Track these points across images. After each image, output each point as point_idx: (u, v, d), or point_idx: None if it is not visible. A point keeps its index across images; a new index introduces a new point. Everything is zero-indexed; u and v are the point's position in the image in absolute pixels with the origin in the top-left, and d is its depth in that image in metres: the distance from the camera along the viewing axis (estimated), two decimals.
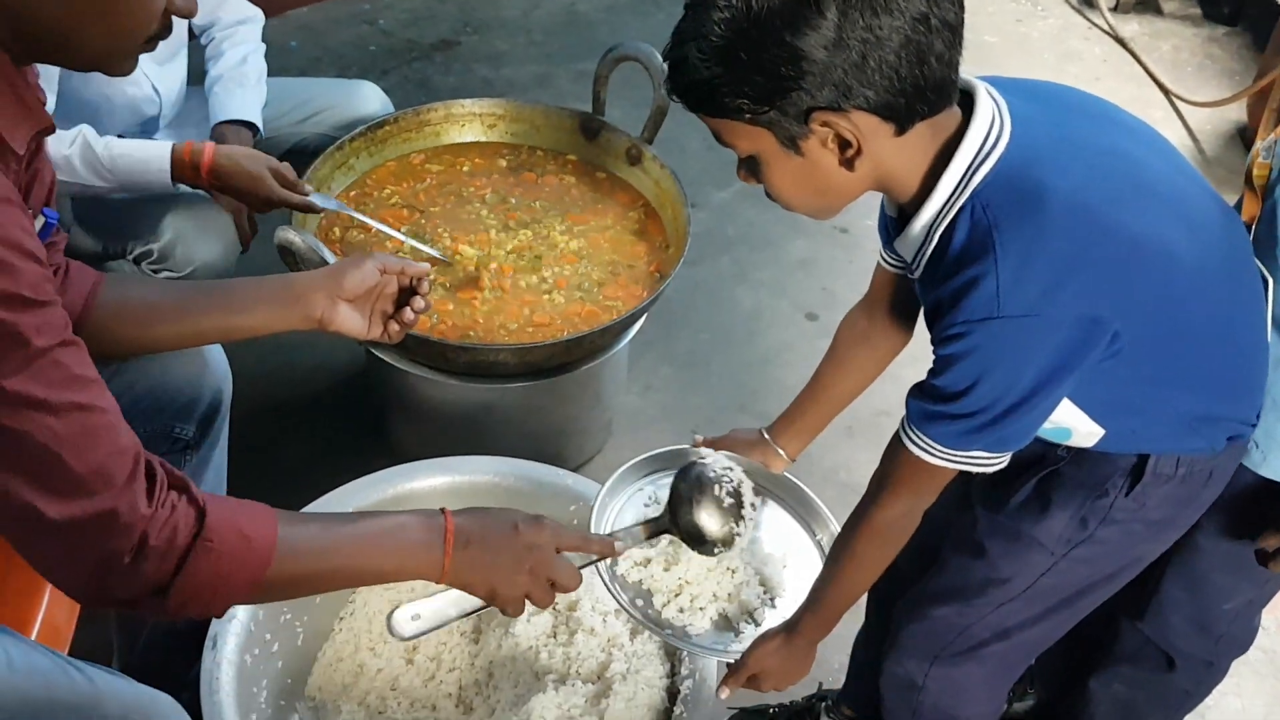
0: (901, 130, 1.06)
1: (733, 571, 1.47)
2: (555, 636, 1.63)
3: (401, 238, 2.02)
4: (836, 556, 1.34)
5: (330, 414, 2.37)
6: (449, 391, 2.01)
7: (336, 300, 1.38)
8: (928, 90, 1.04)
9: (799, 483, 1.58)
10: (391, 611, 1.22)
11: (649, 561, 1.46)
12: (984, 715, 1.57)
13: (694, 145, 3.17)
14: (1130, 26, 4.01)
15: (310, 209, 1.91)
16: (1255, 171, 1.35)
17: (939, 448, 1.16)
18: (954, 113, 1.10)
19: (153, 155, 1.78)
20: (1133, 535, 1.32)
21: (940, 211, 1.11)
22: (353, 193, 2.16)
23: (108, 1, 1.01)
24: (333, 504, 1.64)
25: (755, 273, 2.86)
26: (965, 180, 1.09)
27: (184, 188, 1.85)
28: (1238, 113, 3.53)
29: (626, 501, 1.52)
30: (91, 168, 1.76)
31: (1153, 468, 1.26)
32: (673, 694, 1.56)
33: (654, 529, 1.41)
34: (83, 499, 0.96)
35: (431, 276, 1.47)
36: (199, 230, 1.87)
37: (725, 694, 1.44)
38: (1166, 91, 3.67)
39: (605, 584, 1.42)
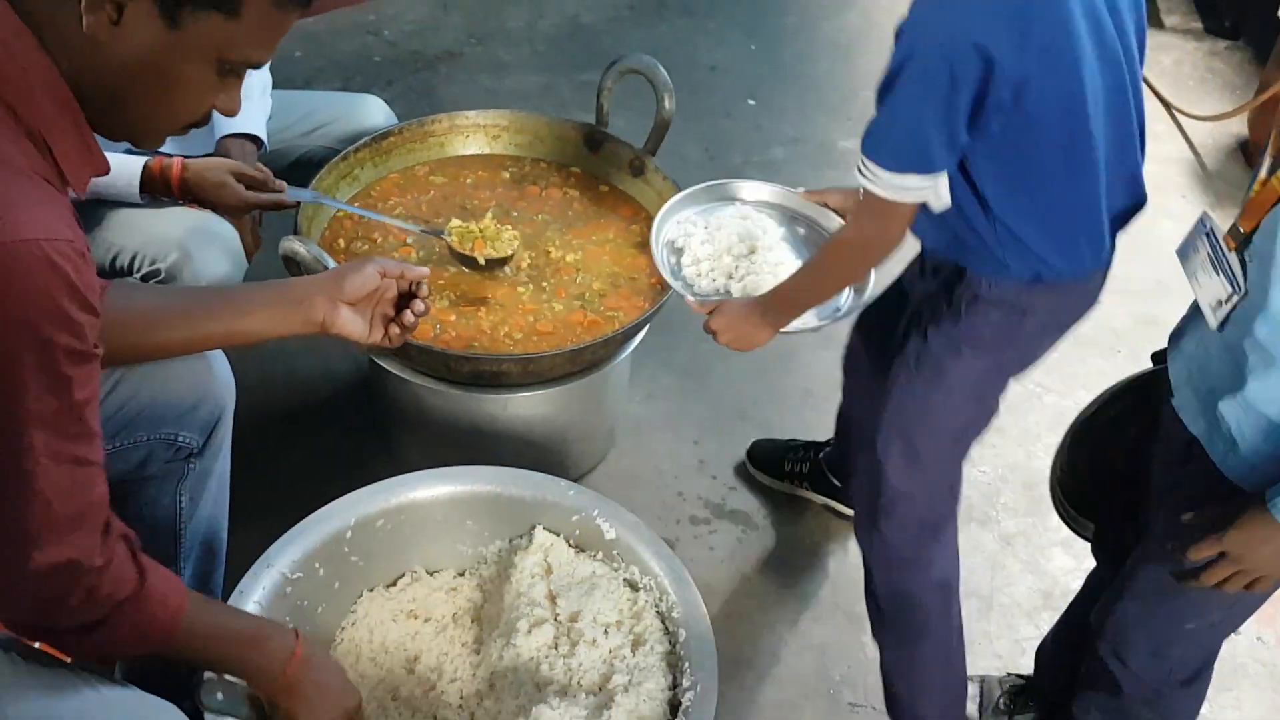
0: None
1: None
2: (557, 648, 1.63)
3: (391, 221, 2.06)
4: (812, 261, 1.71)
5: (333, 423, 2.38)
6: (452, 401, 2.01)
7: (337, 304, 1.39)
8: None
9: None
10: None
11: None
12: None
13: (696, 156, 3.18)
14: None
15: (280, 206, 1.93)
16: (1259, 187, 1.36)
17: (875, 169, 1.40)
18: None
19: (122, 171, 1.82)
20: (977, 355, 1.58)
21: None
22: (357, 204, 2.17)
23: (168, 90, 1.05)
24: (335, 513, 1.64)
25: None
26: None
27: (171, 201, 1.88)
28: (1239, 126, 3.54)
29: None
30: None
31: (969, 282, 1.54)
32: (674, 705, 1.56)
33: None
34: (55, 543, 1.05)
35: (429, 295, 1.48)
36: (205, 247, 1.88)
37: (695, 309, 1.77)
38: (1168, 105, 3.68)
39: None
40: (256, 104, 2.03)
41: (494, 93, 3.46)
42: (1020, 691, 1.93)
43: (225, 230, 1.93)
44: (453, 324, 1.97)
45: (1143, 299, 2.82)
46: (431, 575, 1.77)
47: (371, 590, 1.73)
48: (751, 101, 3.56)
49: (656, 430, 2.42)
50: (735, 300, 1.74)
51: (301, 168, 2.10)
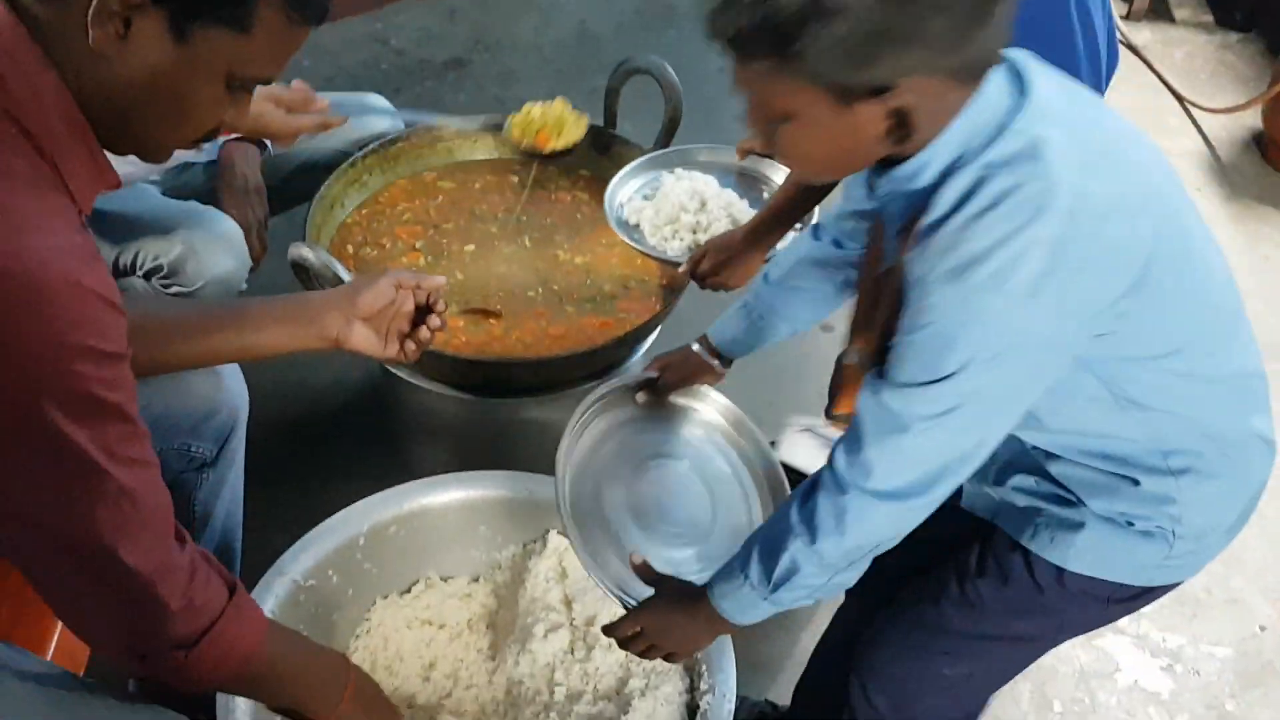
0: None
1: None
2: (573, 653, 1.62)
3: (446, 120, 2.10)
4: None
5: (346, 430, 2.37)
6: (465, 407, 2.00)
7: (352, 319, 1.37)
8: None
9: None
10: None
11: None
12: None
13: None
14: (1143, 34, 3.99)
15: (327, 126, 1.85)
16: None
17: None
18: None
19: None
20: None
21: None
22: (365, 210, 2.17)
23: (178, 106, 1.03)
24: (351, 519, 1.63)
25: None
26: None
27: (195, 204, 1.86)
28: (1253, 119, 3.51)
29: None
30: None
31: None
32: (692, 709, 1.55)
33: None
34: (136, 546, 1.01)
35: (447, 305, 1.47)
36: (209, 244, 1.87)
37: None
38: (1181, 99, 3.65)
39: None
40: (259, 106, 2.03)
41: (502, 101, 3.45)
42: (765, 718, 1.84)
43: (230, 227, 1.92)
44: (463, 330, 1.96)
45: None
46: (445, 581, 1.76)
47: (385, 597, 1.72)
48: None
49: None
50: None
51: (308, 170, 2.09)
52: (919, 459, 1.05)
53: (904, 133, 0.98)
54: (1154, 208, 1.06)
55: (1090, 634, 1.70)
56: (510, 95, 3.48)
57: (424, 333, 1.42)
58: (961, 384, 0.99)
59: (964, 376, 0.99)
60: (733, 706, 1.46)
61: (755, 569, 1.16)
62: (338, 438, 2.35)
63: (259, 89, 1.79)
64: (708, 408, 1.63)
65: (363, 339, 1.39)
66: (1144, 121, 3.53)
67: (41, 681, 1.15)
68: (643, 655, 1.31)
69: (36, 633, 1.34)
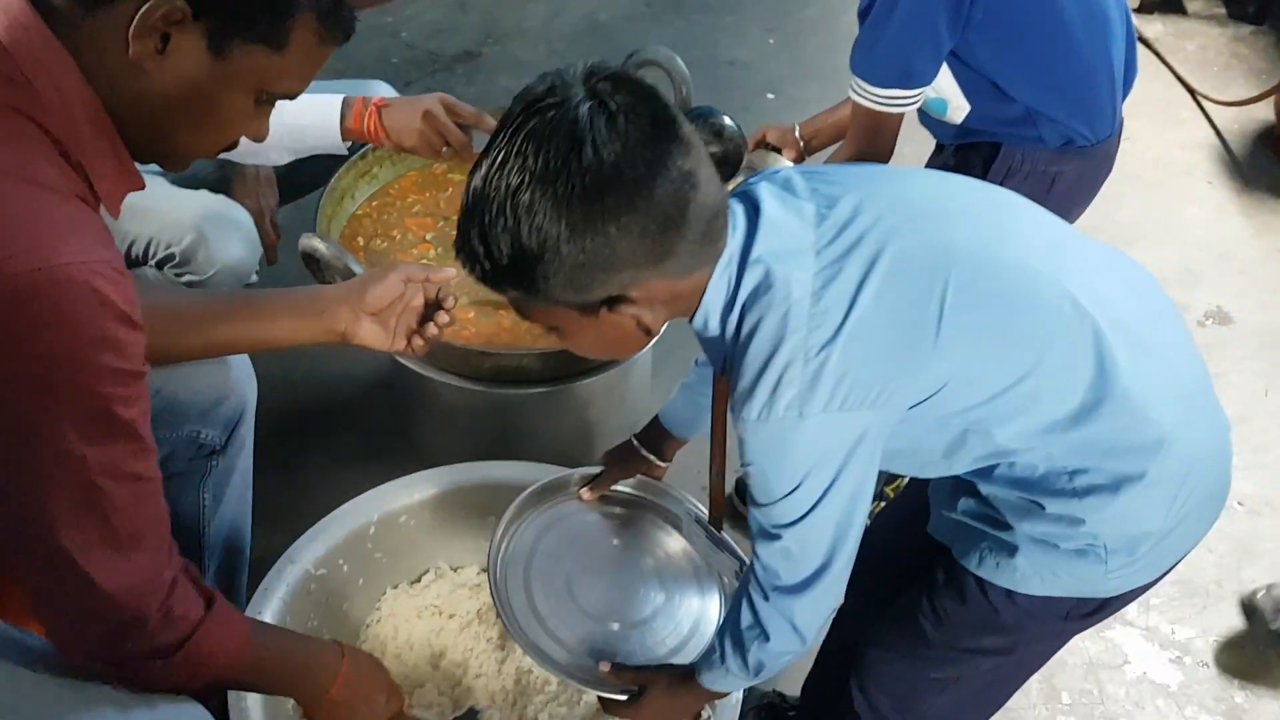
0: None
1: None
2: None
3: None
4: None
5: (356, 419, 2.38)
6: (474, 397, 2.00)
7: (360, 315, 1.38)
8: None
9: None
10: None
11: None
12: None
13: None
14: (1155, 27, 3.98)
15: (482, 124, 1.82)
16: None
17: (864, 85, 1.64)
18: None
19: (324, 117, 1.77)
20: None
21: None
22: (375, 202, 2.17)
23: (207, 118, 1.05)
24: (361, 509, 1.64)
25: None
26: None
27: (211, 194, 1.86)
28: (1265, 111, 3.49)
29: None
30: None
31: (1003, 158, 1.72)
32: None
33: None
34: (124, 563, 1.03)
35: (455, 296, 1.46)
36: (221, 232, 1.88)
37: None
38: (1193, 91, 3.64)
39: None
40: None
41: (513, 92, 3.38)
42: (773, 709, 1.87)
43: (241, 215, 1.93)
44: (472, 321, 1.96)
45: (1170, 286, 2.78)
46: (455, 571, 1.77)
47: (395, 587, 1.73)
48: (771, 96, 3.54)
49: None
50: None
51: (316, 161, 2.09)
52: (804, 551, 1.13)
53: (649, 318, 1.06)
54: (926, 258, 1.07)
55: (1099, 625, 1.70)
56: (521, 86, 3.47)
57: (431, 329, 1.42)
58: (804, 494, 1.08)
59: (803, 489, 1.07)
60: (741, 695, 1.46)
61: (733, 662, 1.24)
62: (347, 427, 2.36)
63: (423, 101, 1.80)
64: (641, 493, 1.62)
65: (370, 334, 1.40)
66: (1156, 114, 3.53)
67: (49, 665, 1.15)
68: None
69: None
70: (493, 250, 0.99)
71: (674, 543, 1.58)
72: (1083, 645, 2.06)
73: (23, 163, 0.96)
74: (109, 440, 0.98)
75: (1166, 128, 3.51)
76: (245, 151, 1.70)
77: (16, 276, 0.89)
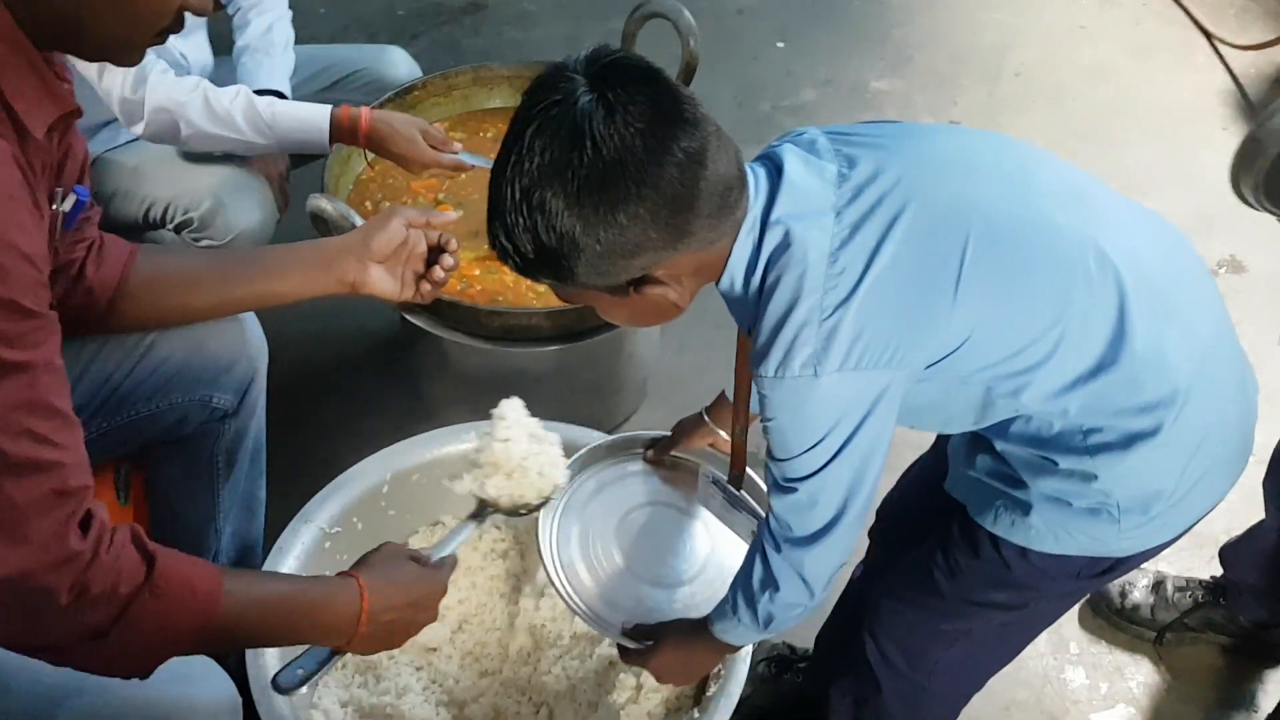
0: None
1: None
2: None
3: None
4: None
5: (367, 380, 2.39)
6: (484, 356, 2.01)
7: (367, 263, 1.39)
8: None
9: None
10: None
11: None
12: None
13: (724, 102, 3.14)
14: None
15: (460, 168, 1.94)
16: None
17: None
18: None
19: (312, 116, 1.85)
20: None
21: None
22: (381, 164, 2.16)
23: None
24: (372, 468, 1.66)
25: None
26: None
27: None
28: None
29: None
30: (253, 124, 1.83)
31: None
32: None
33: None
34: (19, 539, 0.92)
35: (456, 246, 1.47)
36: (238, 198, 1.89)
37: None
38: (1209, 35, 3.58)
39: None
40: (279, 60, 2.02)
41: (520, 44, 3.43)
42: (783, 660, 1.90)
43: (257, 181, 1.94)
44: (478, 278, 1.97)
45: (1184, 235, 2.76)
46: None
47: (408, 540, 1.74)
48: (780, 44, 3.50)
49: (689, 382, 2.40)
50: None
51: None
52: (816, 504, 1.15)
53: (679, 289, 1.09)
54: (946, 217, 1.08)
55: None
56: (528, 39, 3.45)
57: (438, 273, 1.43)
58: (819, 450, 1.10)
59: (819, 446, 1.09)
60: (750, 648, 1.48)
61: (744, 613, 1.26)
62: (358, 387, 2.37)
63: (414, 121, 1.85)
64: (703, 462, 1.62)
65: (379, 282, 1.40)
66: (1171, 58, 3.48)
67: None
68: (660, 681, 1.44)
69: None
70: (519, 247, 1.03)
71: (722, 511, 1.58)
72: None
73: None
74: None
75: (1182, 72, 3.46)
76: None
77: None
